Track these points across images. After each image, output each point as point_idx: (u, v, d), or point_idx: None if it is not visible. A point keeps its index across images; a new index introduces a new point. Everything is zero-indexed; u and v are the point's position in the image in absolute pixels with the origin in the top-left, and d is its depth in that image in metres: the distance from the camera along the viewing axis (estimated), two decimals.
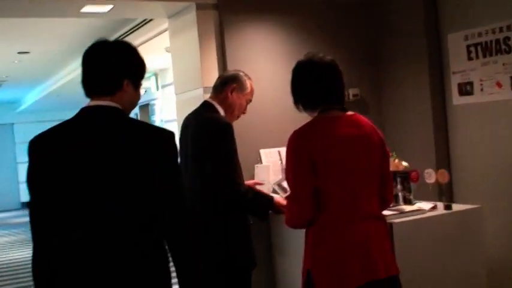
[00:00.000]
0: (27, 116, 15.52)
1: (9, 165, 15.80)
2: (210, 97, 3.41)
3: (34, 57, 8.48)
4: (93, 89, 2.06)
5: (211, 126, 3.22)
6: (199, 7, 4.25)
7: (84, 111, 2.04)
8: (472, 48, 4.18)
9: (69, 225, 1.96)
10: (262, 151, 4.26)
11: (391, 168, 3.01)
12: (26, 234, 10.49)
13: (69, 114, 2.12)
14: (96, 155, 1.96)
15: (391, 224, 2.98)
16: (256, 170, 4.14)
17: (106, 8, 4.21)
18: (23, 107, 15.02)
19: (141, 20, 5.66)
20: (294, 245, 3.66)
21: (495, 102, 4.07)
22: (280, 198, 3.41)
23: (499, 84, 4.03)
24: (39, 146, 1.99)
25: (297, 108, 2.58)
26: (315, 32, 4.56)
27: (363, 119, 2.52)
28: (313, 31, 4.56)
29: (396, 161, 3.64)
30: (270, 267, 4.10)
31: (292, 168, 2.40)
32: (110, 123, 2.02)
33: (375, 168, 2.45)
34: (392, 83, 4.76)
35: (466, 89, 4.27)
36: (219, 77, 3.50)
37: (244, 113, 3.45)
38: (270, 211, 3.34)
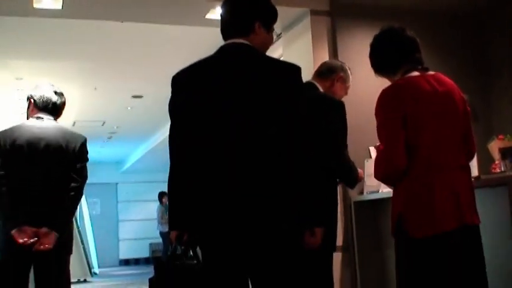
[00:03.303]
0: (130, 176, 16.28)
1: (112, 223, 16.46)
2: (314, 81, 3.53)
3: (147, 102, 9.01)
4: (229, 31, 2.31)
5: (328, 100, 3.41)
6: (313, 13, 4.57)
7: (221, 48, 2.30)
8: None
9: (207, 143, 2.19)
10: (371, 148, 4.38)
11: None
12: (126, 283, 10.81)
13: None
14: (232, 85, 2.19)
15: None
16: (366, 164, 4.26)
17: None
18: (126, 166, 15.81)
19: None
20: None
21: None
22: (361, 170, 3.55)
23: None
24: (181, 80, 2.27)
25: (381, 74, 2.75)
26: (425, 39, 4.69)
27: (446, 78, 2.63)
28: (422, 39, 4.70)
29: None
30: None
31: (385, 121, 2.53)
32: (244, 57, 2.26)
33: (459, 122, 2.55)
34: (502, 91, 4.79)
35: None
36: (324, 64, 3.65)
37: None
38: None
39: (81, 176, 3.31)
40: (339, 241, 4.28)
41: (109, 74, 7.53)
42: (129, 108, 9.48)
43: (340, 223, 4.29)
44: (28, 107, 3.41)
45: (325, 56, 4.53)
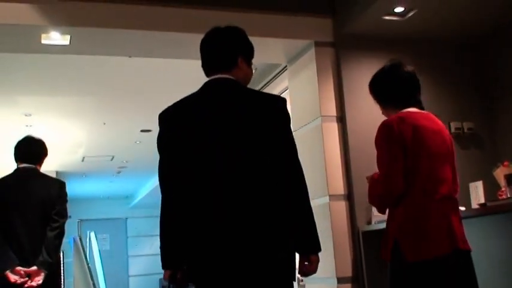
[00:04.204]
0: (139, 211, 16.25)
1: (121, 258, 16.38)
2: None
3: (155, 136, 9.02)
4: (212, 66, 2.39)
5: None
6: (317, 44, 4.63)
7: (206, 84, 2.37)
8: None
9: (196, 177, 2.22)
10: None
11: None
12: None
13: None
14: (219, 118, 2.24)
15: None
16: None
17: None
18: (135, 201, 15.81)
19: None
20: None
21: None
22: None
23: None
24: (168, 116, 2.31)
25: (382, 106, 2.95)
26: (428, 67, 4.78)
27: (436, 118, 2.85)
28: (425, 67, 4.77)
29: None
30: None
31: (386, 150, 2.70)
32: (231, 91, 2.33)
33: (449, 159, 2.77)
34: (508, 117, 4.79)
35: None
36: None
37: None
38: None
39: (62, 216, 3.72)
40: (348, 272, 4.25)
41: (117, 108, 7.60)
42: (137, 142, 9.53)
43: (348, 253, 4.26)
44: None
45: (330, 87, 4.58)
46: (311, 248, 2.29)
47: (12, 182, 3.72)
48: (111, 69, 5.95)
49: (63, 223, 3.72)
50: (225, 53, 2.38)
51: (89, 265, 9.89)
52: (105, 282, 13.86)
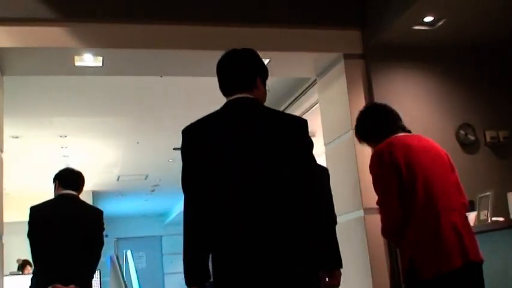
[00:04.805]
0: (174, 229, 16.33)
1: (157, 276, 16.49)
2: None
3: None
4: (234, 86, 2.42)
5: None
6: (347, 57, 4.62)
7: (229, 103, 2.40)
8: None
9: (215, 190, 2.23)
10: None
11: None
12: None
13: None
14: (241, 135, 2.29)
15: None
16: None
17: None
18: (170, 218, 15.91)
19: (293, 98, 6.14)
20: None
21: None
22: None
23: None
24: (191, 131, 2.33)
25: (365, 143, 3.10)
26: (459, 76, 4.74)
27: (426, 137, 2.96)
28: (456, 75, 4.74)
29: None
30: None
31: (378, 178, 2.81)
32: (252, 110, 2.38)
33: (448, 171, 2.83)
34: None
35: None
36: None
37: None
38: None
39: (101, 243, 4.04)
40: (386, 285, 4.20)
41: (150, 127, 7.71)
42: (170, 160, 9.61)
43: (385, 266, 4.21)
44: (54, 188, 4.11)
45: (361, 99, 4.55)
46: (331, 264, 2.30)
47: (56, 206, 4.00)
48: (143, 89, 6.04)
49: (100, 249, 4.04)
50: (246, 73, 2.44)
51: (126, 283, 9.95)
52: None
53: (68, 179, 4.10)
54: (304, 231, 2.21)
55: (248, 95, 2.38)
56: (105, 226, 4.12)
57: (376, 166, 2.81)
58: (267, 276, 2.14)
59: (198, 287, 2.22)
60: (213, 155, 2.25)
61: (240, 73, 2.43)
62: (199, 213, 2.23)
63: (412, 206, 2.70)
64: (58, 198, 4.05)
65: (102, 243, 4.07)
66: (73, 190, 4.06)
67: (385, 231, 2.87)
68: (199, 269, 2.21)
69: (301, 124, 2.36)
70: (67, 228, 3.88)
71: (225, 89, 2.45)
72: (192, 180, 2.27)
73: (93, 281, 4.11)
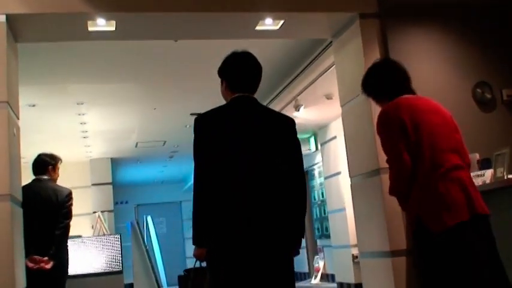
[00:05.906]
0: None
1: (178, 241, 16.72)
2: None
3: None
4: (244, 87, 2.93)
5: None
6: (362, 16, 4.55)
7: (236, 98, 2.91)
8: None
9: (224, 174, 2.73)
10: None
11: None
12: None
13: None
14: (246, 126, 2.84)
15: None
16: None
17: (277, 25, 4.63)
18: (189, 184, 16.02)
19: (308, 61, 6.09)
20: None
21: None
22: None
23: None
24: (205, 121, 2.82)
25: (372, 98, 3.27)
26: (474, 32, 4.68)
27: (431, 99, 3.07)
28: (472, 32, 4.67)
29: None
30: None
31: (386, 136, 2.93)
32: (255, 108, 2.94)
33: (453, 131, 2.94)
34: None
35: None
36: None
37: None
38: None
39: (66, 217, 4.64)
40: (403, 244, 4.20)
41: (167, 93, 7.69)
42: (187, 126, 9.60)
43: (402, 226, 4.21)
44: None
45: (376, 56, 4.46)
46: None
47: (29, 189, 4.57)
48: (158, 54, 6.02)
49: (68, 223, 4.65)
50: (258, 79, 2.98)
51: (147, 248, 10.12)
52: (163, 264, 14.19)
53: (34, 167, 4.82)
54: (293, 219, 2.79)
55: (253, 96, 2.93)
56: (71, 203, 4.70)
57: (383, 126, 2.94)
58: (266, 255, 2.67)
59: (201, 247, 2.73)
60: (220, 143, 2.73)
61: (256, 78, 2.96)
62: (209, 193, 2.69)
63: (419, 165, 2.79)
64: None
65: (69, 218, 4.66)
66: (41, 175, 4.77)
67: (393, 189, 2.96)
68: (205, 234, 2.71)
69: (292, 124, 2.94)
70: (37, 209, 4.52)
71: (237, 86, 2.91)
72: (203, 159, 2.75)
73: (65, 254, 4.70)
